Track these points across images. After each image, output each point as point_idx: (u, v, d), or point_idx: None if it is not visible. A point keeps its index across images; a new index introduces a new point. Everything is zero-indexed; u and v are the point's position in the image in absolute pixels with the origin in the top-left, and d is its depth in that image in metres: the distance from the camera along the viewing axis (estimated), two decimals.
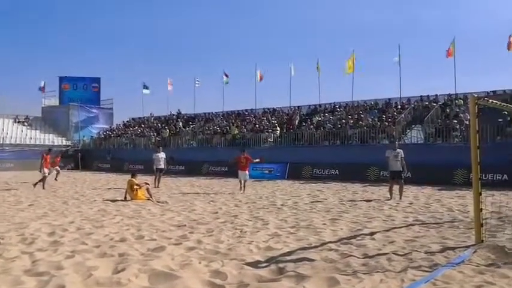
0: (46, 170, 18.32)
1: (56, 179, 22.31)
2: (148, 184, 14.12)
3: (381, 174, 22.73)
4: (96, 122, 50.62)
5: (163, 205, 12.40)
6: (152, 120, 43.39)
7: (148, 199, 13.34)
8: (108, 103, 52.97)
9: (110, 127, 47.98)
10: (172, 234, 7.81)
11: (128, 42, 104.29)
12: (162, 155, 19.41)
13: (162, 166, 19.28)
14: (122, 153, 37.83)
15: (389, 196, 14.06)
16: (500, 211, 9.47)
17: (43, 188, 17.51)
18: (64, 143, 44.27)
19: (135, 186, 13.63)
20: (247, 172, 17.36)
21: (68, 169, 38.39)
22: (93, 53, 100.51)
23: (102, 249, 6.48)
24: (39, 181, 17.84)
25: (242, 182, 17.08)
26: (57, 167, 23.21)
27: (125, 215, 10.24)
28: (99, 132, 46.54)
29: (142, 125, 43.14)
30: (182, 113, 43.26)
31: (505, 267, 5.50)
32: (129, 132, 41.71)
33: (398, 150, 14.01)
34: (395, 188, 14.06)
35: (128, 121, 47.00)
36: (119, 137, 41.09)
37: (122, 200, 13.39)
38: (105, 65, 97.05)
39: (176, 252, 6.35)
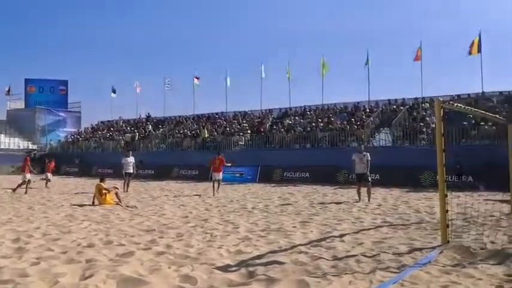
0: (27, 175, 18.00)
1: (46, 186, 21.24)
2: (117, 188, 13.91)
3: (350, 176, 22.97)
4: (63, 125, 49.68)
5: (133, 210, 12.23)
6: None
7: (117, 204, 13.13)
8: (76, 106, 52.05)
9: (78, 131, 47.10)
10: (141, 239, 7.70)
11: (97, 44, 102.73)
12: (131, 160, 19.18)
13: (131, 170, 19.03)
14: (90, 157, 37.19)
15: (357, 198, 14.22)
16: (465, 212, 9.70)
17: (25, 193, 17.25)
18: (30, 147, 43.23)
19: (104, 191, 13.41)
20: (220, 174, 17.73)
21: (34, 174, 37.50)
22: (60, 55, 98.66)
23: (69, 256, 6.33)
24: (18, 186, 17.72)
25: (216, 183, 17.25)
26: (49, 173, 22.38)
27: (93, 220, 10.05)
28: (66, 136, 45.64)
29: (111, 129, 42.52)
30: (152, 116, 42.85)
31: (470, 267, 5.63)
32: (97, 135, 41.04)
33: (364, 153, 14.26)
34: (363, 190, 14.28)
35: (96, 124, 46.24)
36: (87, 141, 40.38)
37: (90, 205, 13.14)
38: (73, 67, 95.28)
39: (145, 257, 6.25)
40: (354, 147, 24.60)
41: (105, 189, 13.50)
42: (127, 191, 17.90)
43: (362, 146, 16.07)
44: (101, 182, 13.93)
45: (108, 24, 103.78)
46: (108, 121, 45.62)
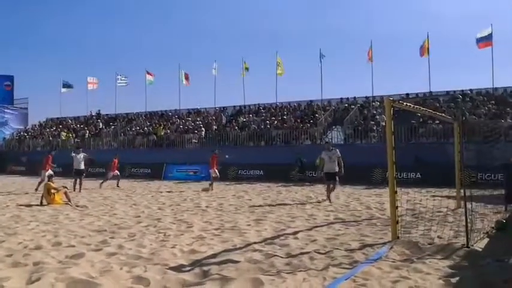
0: (47, 173, 17.22)
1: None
2: (66, 188, 13.49)
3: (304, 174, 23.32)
4: (9, 122, 47.64)
5: (83, 209, 11.89)
6: (95, 119, 41.05)
7: (67, 203, 12.74)
8: (23, 102, 50.03)
9: (25, 128, 45.30)
10: (91, 240, 7.50)
11: (46, 40, 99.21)
12: (82, 156, 18.17)
13: (82, 167, 18.09)
14: (38, 155, 35.79)
15: (325, 197, 13.65)
16: (414, 208, 9.99)
17: (36, 190, 17.14)
18: None
19: (53, 190, 12.98)
20: (215, 169, 18.55)
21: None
22: (6, 50, 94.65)
23: (15, 258, 6.07)
24: (39, 184, 17.34)
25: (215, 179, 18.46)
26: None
27: (41, 221, 9.70)
28: (12, 134, 43.82)
29: (60, 126, 41.18)
30: (103, 113, 41.80)
31: (419, 262, 5.80)
32: (45, 133, 39.62)
33: (333, 150, 13.48)
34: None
35: (44, 121, 44.62)
36: (34, 139, 38.90)
37: (37, 205, 12.66)
38: (19, 63, 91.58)
39: (96, 259, 6.09)
40: (307, 145, 24.97)
41: (54, 188, 13.08)
42: (79, 191, 17.13)
43: (330, 142, 15.53)
44: (49, 181, 13.49)
45: (58, 19, 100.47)
46: (57, 118, 44.13)
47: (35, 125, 44.35)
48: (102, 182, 19.39)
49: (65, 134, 37.46)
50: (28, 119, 49.28)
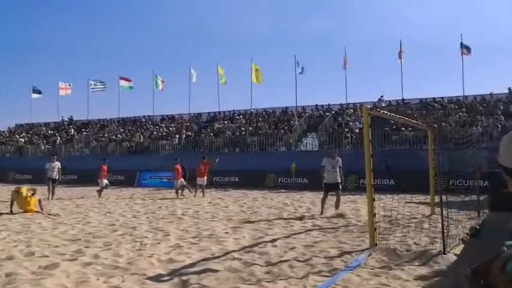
0: (104, 181, 18.56)
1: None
2: (34, 190, 13.17)
3: (279, 181, 23.36)
4: None
5: (55, 218, 11.62)
6: (66, 125, 40.19)
7: (38, 212, 12.43)
8: None
9: None
10: (66, 250, 7.31)
11: (17, 44, 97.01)
12: (56, 165, 18.06)
13: (56, 176, 17.86)
14: (7, 161, 34.93)
15: (320, 209, 12.00)
16: (390, 215, 10.08)
17: (99, 197, 17.77)
18: None
19: (29, 194, 12.65)
20: (205, 178, 18.57)
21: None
22: None
23: None
24: (100, 191, 18.31)
25: (199, 188, 18.41)
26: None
27: (12, 230, 9.43)
28: None
29: (30, 132, 40.28)
30: (75, 119, 41.08)
31: (397, 268, 5.85)
32: (14, 139, 38.66)
33: (337, 158, 11.86)
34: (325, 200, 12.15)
35: (13, 127, 43.56)
36: (3, 145, 37.90)
37: (7, 213, 12.31)
38: None
39: (71, 269, 5.94)
40: (282, 152, 25.03)
41: (31, 189, 12.83)
42: (51, 199, 16.82)
43: (336, 149, 13.29)
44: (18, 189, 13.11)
45: (29, 23, 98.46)
46: (27, 124, 43.16)
47: (4, 131, 43.25)
48: (99, 192, 18.41)
49: (23, 140, 36.83)
50: None
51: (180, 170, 18.90)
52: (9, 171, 32.08)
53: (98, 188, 18.62)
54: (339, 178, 11.82)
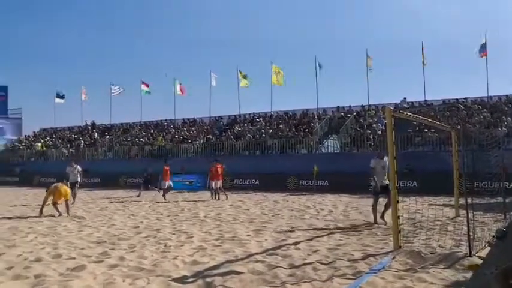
0: (167, 182, 18.79)
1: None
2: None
3: (300, 183, 23.31)
4: (2, 133, 47.36)
5: (80, 221, 11.80)
6: (90, 129, 40.88)
7: (62, 214, 12.63)
8: (17, 113, 49.80)
9: (19, 138, 45.05)
10: (92, 252, 7.44)
11: (42, 50, 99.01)
12: (76, 168, 18.03)
13: (77, 180, 17.89)
14: (32, 165, 35.64)
15: (372, 218, 10.81)
16: (414, 217, 9.99)
17: (165, 200, 17.88)
18: None
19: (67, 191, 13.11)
20: (219, 181, 18.62)
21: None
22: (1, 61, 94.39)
23: (15, 271, 6.01)
24: (164, 193, 18.52)
25: (214, 190, 18.46)
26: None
27: (39, 233, 9.61)
28: (6, 144, 43.55)
29: (54, 136, 41.02)
30: (97, 123, 41.68)
31: (422, 271, 5.79)
32: (39, 143, 39.41)
33: (386, 158, 10.61)
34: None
35: (38, 132, 44.43)
36: (28, 149, 38.68)
37: (34, 217, 12.54)
38: (13, 73, 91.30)
39: (98, 271, 6.04)
40: (304, 154, 24.99)
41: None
42: (73, 202, 16.99)
43: (383, 151, 11.96)
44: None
45: (53, 30, 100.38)
46: (52, 128, 43.98)
47: (29, 136, 44.14)
48: (164, 195, 18.48)
49: (40, 145, 37.53)
50: (22, 129, 49.07)
51: (215, 171, 18.77)
52: (35, 175, 32.72)
53: (157, 189, 19.03)
54: (387, 180, 10.54)
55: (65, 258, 6.95)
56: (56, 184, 13.42)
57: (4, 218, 12.56)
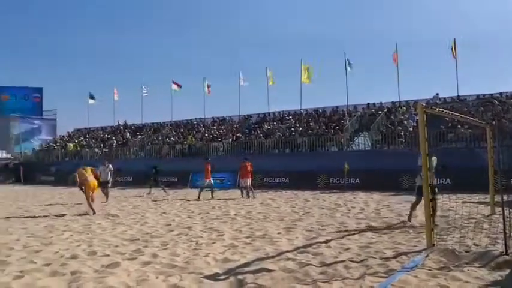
0: (208, 180, 18.47)
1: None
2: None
3: (331, 181, 23.17)
4: (38, 133, 48.80)
5: (114, 218, 12.05)
6: (122, 128, 41.72)
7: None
8: (51, 114, 51.18)
9: (54, 138, 46.28)
10: (125, 249, 7.59)
11: (74, 52, 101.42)
12: (108, 167, 18.21)
13: (108, 178, 18.01)
14: (67, 165, 36.50)
15: (408, 218, 10.31)
16: (447, 215, 9.80)
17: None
18: (4, 156, 42.29)
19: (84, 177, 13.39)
20: (248, 179, 18.42)
21: (9, 183, 36.80)
22: (35, 63, 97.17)
23: (52, 268, 6.18)
24: (201, 191, 18.31)
25: (244, 188, 18.41)
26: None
27: (74, 230, 9.86)
28: (41, 144, 44.78)
29: (87, 136, 41.94)
30: (129, 123, 42.39)
31: (457, 270, 5.69)
32: (73, 143, 40.36)
33: (434, 157, 9.68)
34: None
35: (72, 132, 45.51)
36: (63, 149, 39.66)
37: (70, 215, 12.87)
38: (48, 75, 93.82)
39: (131, 268, 6.16)
40: (333, 152, 24.81)
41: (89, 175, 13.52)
42: (106, 201, 17.09)
43: (432, 148, 10.35)
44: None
45: (85, 32, 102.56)
46: (85, 128, 44.97)
47: (63, 136, 45.26)
48: (200, 191, 18.43)
49: (72, 145, 38.39)
50: (56, 129, 50.42)
51: (245, 169, 18.67)
52: (69, 175, 33.43)
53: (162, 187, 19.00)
54: (434, 179, 9.54)
55: (100, 255, 7.11)
56: (79, 169, 13.77)
57: (41, 216, 12.92)
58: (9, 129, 46.35)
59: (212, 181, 18.82)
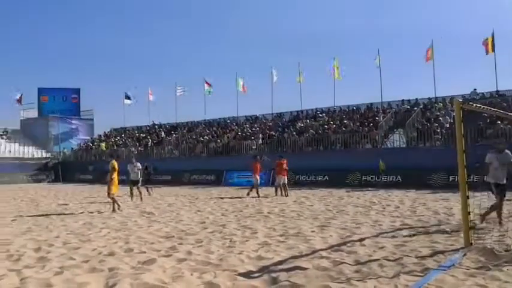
0: (257, 177, 18.49)
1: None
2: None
3: (365, 179, 22.93)
4: (76, 133, 50.06)
5: (150, 216, 12.26)
6: (157, 128, 42.46)
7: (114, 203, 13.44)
8: (89, 114, 52.42)
9: (91, 138, 47.41)
10: (161, 246, 7.72)
11: (110, 53, 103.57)
12: (137, 166, 17.88)
13: (137, 178, 17.73)
14: (104, 164, 37.26)
15: (480, 219, 8.86)
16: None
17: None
18: (44, 155, 43.61)
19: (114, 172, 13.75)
20: (283, 176, 18.37)
21: (48, 182, 37.95)
22: (72, 64, 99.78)
23: (91, 264, 6.35)
24: (251, 190, 18.46)
25: (279, 186, 18.34)
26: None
27: (112, 228, 10.09)
28: (79, 144, 45.95)
29: (123, 135, 42.77)
30: (164, 122, 43.04)
31: (495, 269, 5.56)
32: (110, 142, 41.25)
33: (506, 152, 9.08)
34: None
35: (109, 131, 46.50)
36: (97, 148, 40.57)
37: (107, 212, 13.19)
38: (85, 75, 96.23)
39: (167, 265, 6.26)
40: (368, 149, 24.50)
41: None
42: (141, 200, 17.13)
43: (503, 143, 9.74)
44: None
45: (119, 33, 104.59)
46: (121, 128, 45.88)
47: (101, 135, 46.28)
48: (251, 190, 18.56)
49: (104, 145, 39.17)
50: (94, 129, 51.61)
51: (280, 167, 18.54)
52: (106, 173, 34.18)
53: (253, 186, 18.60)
54: (505, 178, 9.05)
55: (136, 252, 7.25)
56: (112, 162, 14.16)
57: (79, 214, 13.27)
58: (48, 130, 47.67)
59: (258, 179, 18.69)
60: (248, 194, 18.39)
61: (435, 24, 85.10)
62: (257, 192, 18.13)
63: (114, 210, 13.40)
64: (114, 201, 13.54)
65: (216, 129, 35.98)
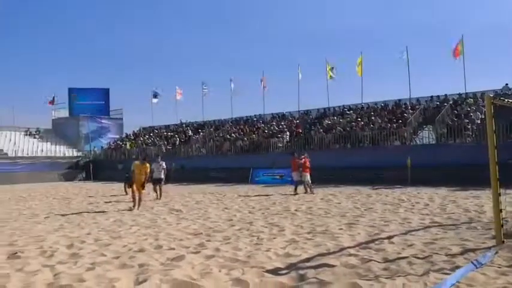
0: (307, 176, 18.40)
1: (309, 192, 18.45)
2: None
3: (393, 176, 22.63)
4: (106, 132, 50.95)
5: (178, 213, 12.42)
6: (184, 126, 42.95)
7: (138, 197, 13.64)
8: (118, 113, 53.28)
9: (120, 137, 48.18)
10: (189, 243, 7.82)
11: (136, 53, 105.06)
12: (161, 165, 17.90)
13: (161, 176, 17.66)
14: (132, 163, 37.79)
15: None
16: None
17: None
18: (75, 154, 44.58)
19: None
20: (306, 174, 18.29)
21: (79, 180, 38.75)
22: (101, 63, 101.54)
23: (121, 260, 6.48)
24: (295, 189, 18.33)
25: (301, 184, 18.27)
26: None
27: (142, 225, 10.26)
28: (109, 143, 46.74)
29: (152, 134, 43.31)
30: (191, 121, 43.43)
31: None
32: (139, 141, 41.83)
33: None
34: None
35: (138, 130, 47.16)
36: (129, 147, 41.18)
37: (138, 210, 13.40)
38: (113, 74, 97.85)
39: (196, 261, 6.34)
40: (396, 146, 24.23)
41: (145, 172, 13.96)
42: (159, 198, 17.07)
43: None
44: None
45: (148, 33, 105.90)
46: (150, 126, 46.46)
47: (130, 134, 46.97)
48: (295, 190, 18.33)
49: (130, 144, 39.68)
50: (123, 128, 52.45)
51: (304, 165, 18.46)
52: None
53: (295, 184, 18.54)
54: None
55: (166, 248, 7.36)
56: (136, 163, 14.31)
57: (110, 211, 13.53)
58: (79, 129, 48.66)
59: (297, 176, 18.60)
60: (295, 192, 17.98)
61: (463, 20, 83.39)
62: (305, 188, 18.16)
63: (133, 207, 13.63)
64: (134, 199, 13.74)
65: (243, 127, 36.08)
